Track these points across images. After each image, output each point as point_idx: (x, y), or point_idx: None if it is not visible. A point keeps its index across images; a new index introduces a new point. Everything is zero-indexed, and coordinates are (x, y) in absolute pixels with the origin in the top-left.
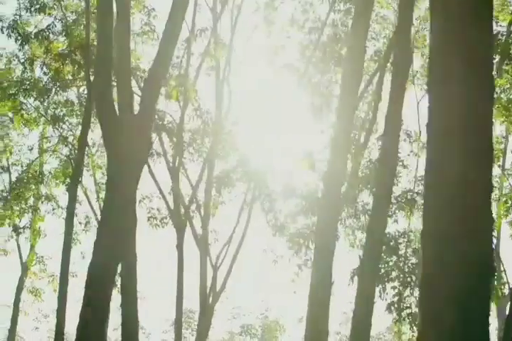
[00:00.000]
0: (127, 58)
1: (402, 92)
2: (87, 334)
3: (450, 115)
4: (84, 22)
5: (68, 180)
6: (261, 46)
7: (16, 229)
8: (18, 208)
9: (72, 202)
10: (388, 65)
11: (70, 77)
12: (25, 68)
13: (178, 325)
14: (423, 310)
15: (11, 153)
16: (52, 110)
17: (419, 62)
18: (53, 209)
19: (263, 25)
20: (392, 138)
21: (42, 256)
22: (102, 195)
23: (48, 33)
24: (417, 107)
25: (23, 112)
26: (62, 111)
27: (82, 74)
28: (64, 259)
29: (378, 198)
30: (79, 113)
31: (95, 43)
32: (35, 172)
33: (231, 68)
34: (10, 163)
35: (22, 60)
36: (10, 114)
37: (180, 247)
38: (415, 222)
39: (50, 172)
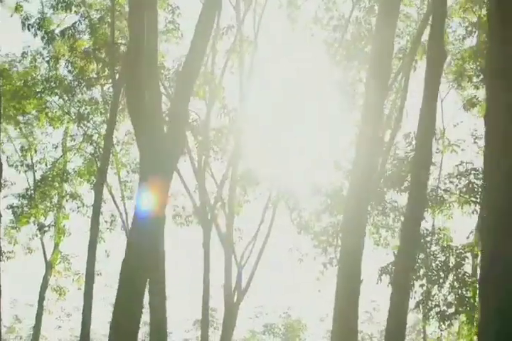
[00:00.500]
0: (155, 56)
1: (437, 89)
2: (119, 334)
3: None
4: (109, 20)
5: (93, 178)
6: (284, 44)
7: (41, 228)
8: (42, 206)
9: (98, 200)
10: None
11: (95, 75)
12: (52, 66)
13: (204, 324)
14: (483, 307)
15: (35, 151)
16: (77, 108)
17: None
18: (78, 208)
19: (286, 23)
20: (426, 136)
21: (68, 255)
22: (128, 193)
23: (73, 31)
24: (440, 105)
25: (48, 110)
26: (86, 109)
27: (107, 72)
28: (90, 258)
29: (414, 197)
30: (103, 111)
31: (120, 41)
32: (60, 170)
33: (255, 66)
34: (34, 161)
35: (47, 58)
36: (34, 112)
37: (206, 246)
38: (442, 220)
39: (74, 171)
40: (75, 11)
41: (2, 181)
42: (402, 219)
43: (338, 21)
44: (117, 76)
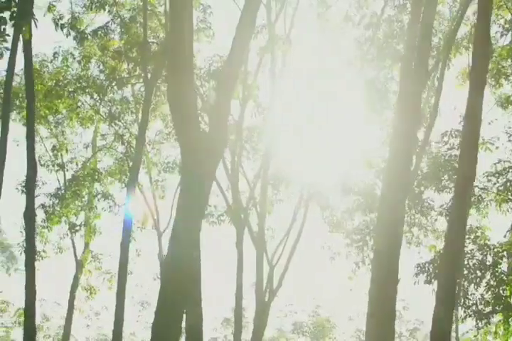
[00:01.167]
0: (191, 56)
1: (483, 85)
2: (163, 333)
3: None
4: (141, 19)
5: (124, 177)
6: (315, 43)
7: (73, 227)
8: (74, 206)
9: (130, 200)
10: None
11: (126, 75)
12: (84, 66)
13: (237, 323)
14: None
15: (66, 151)
16: (108, 108)
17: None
18: (110, 207)
19: (317, 22)
20: (472, 135)
21: (101, 254)
22: (160, 192)
23: (106, 31)
24: None
25: (79, 110)
26: (117, 108)
27: (138, 71)
28: (122, 257)
29: (459, 196)
30: (134, 110)
31: (151, 40)
32: (91, 170)
33: (287, 65)
34: (65, 160)
35: (78, 58)
36: (64, 112)
37: (239, 245)
38: (478, 218)
39: (105, 170)
40: (109, 11)
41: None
42: (439, 218)
43: (370, 19)
44: (149, 75)
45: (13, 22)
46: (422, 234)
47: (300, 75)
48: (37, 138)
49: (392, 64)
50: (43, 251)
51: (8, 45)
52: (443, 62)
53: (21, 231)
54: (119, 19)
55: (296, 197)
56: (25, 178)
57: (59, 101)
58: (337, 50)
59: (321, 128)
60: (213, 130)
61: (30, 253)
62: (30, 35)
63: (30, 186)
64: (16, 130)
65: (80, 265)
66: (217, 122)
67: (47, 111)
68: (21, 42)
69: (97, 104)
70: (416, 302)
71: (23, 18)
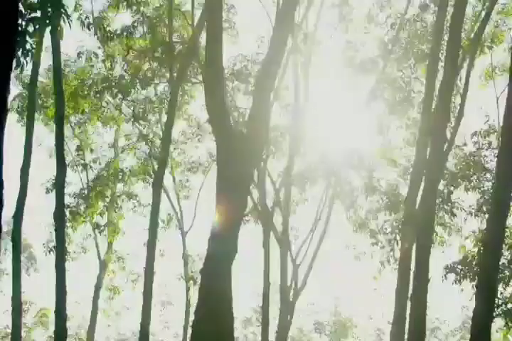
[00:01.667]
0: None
1: None
2: (202, 332)
3: None
4: (166, 19)
5: (148, 177)
6: (339, 42)
7: (98, 227)
8: (98, 206)
9: (156, 200)
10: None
11: (150, 75)
12: (110, 65)
13: (264, 323)
14: None
15: (91, 151)
16: (132, 108)
17: (499, 57)
18: (134, 207)
19: (341, 21)
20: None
21: (128, 254)
22: (185, 192)
23: (132, 30)
24: (496, 102)
25: (103, 110)
26: (141, 108)
27: (162, 71)
28: (149, 257)
29: (498, 195)
30: (157, 110)
31: (176, 40)
32: (115, 169)
33: (312, 64)
34: (88, 160)
35: (102, 58)
36: (86, 112)
37: (266, 245)
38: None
39: (129, 170)
40: (136, 10)
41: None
42: (469, 218)
43: (392, 19)
44: (175, 75)
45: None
46: (445, 234)
47: (324, 75)
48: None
49: (417, 63)
50: (68, 251)
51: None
52: (470, 61)
53: (51, 232)
54: (144, 18)
55: (320, 196)
56: (50, 178)
57: (84, 101)
58: (360, 49)
59: (345, 127)
60: (252, 131)
61: (61, 254)
62: (62, 36)
63: (59, 185)
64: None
65: (103, 265)
66: (255, 123)
67: (70, 111)
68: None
69: (121, 103)
70: (436, 301)
71: (56, 17)
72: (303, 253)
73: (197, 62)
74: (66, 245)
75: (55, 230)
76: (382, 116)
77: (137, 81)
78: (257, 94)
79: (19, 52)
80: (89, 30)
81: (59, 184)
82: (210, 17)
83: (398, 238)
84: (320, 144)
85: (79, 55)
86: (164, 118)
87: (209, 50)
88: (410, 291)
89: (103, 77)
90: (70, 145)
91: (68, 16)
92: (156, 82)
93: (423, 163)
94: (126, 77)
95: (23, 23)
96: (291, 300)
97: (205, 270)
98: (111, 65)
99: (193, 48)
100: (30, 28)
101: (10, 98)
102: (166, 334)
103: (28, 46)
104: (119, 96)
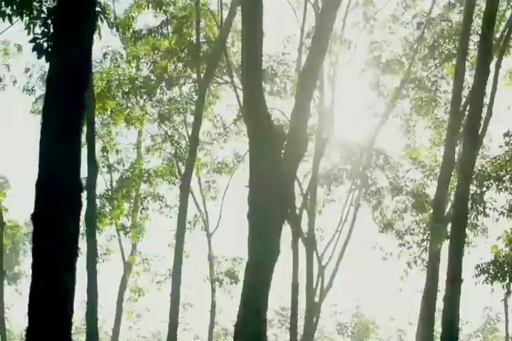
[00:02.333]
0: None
1: None
2: (246, 333)
3: None
4: (192, 20)
5: (173, 178)
6: (363, 42)
7: (123, 228)
8: (123, 207)
9: (183, 201)
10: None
11: (175, 75)
12: (135, 66)
13: (292, 325)
14: None
15: (116, 152)
16: (157, 108)
17: None
18: (160, 208)
19: (365, 21)
20: None
21: (155, 255)
22: (212, 193)
23: (161, 31)
24: None
25: (128, 111)
26: (167, 109)
27: (188, 72)
28: (177, 259)
29: None
30: (182, 111)
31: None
32: (140, 170)
33: (338, 64)
34: (112, 161)
35: (128, 58)
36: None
37: (295, 246)
38: None
39: (154, 171)
40: (163, 10)
41: (85, 182)
42: (501, 218)
43: (418, 19)
44: (202, 76)
45: None
46: (471, 234)
47: (352, 74)
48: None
49: (443, 63)
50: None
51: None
52: (498, 60)
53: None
54: (169, 19)
55: (346, 197)
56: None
57: (110, 102)
58: (386, 49)
59: (371, 127)
60: (294, 132)
61: (93, 256)
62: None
63: (91, 187)
64: None
65: (128, 267)
66: (297, 124)
67: (96, 112)
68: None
69: (146, 104)
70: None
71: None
72: (328, 254)
73: (223, 63)
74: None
75: (87, 232)
76: (408, 115)
77: (163, 81)
78: (300, 95)
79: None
80: (117, 30)
81: (91, 186)
82: (250, 18)
83: (427, 238)
84: (346, 144)
85: (104, 55)
86: (189, 118)
87: (248, 51)
88: (438, 292)
89: (129, 77)
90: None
91: (106, 15)
92: (181, 82)
93: (452, 163)
94: (152, 78)
95: None
96: (316, 301)
97: (249, 270)
98: (137, 66)
99: (221, 48)
100: None
101: (32, 99)
102: (187, 337)
103: None
104: (145, 96)
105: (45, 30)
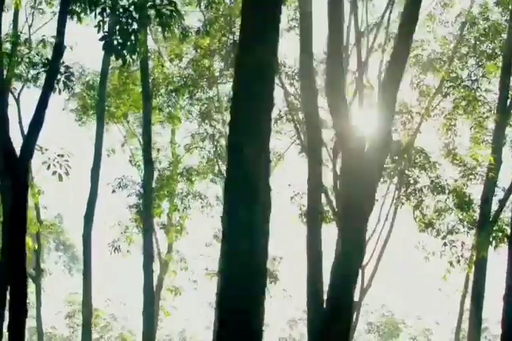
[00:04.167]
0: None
1: None
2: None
3: None
4: (238, 18)
5: (213, 176)
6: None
7: (164, 227)
8: (164, 206)
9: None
10: None
11: (216, 74)
12: (177, 64)
13: None
14: None
15: (158, 151)
16: (198, 106)
17: None
18: (202, 207)
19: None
20: None
21: (201, 254)
22: None
23: (207, 29)
24: None
25: (169, 109)
26: (207, 108)
27: (230, 70)
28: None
29: None
30: (222, 109)
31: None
32: (182, 169)
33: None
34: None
35: (171, 57)
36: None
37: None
38: None
39: (195, 170)
40: (216, 8)
41: (125, 180)
42: None
43: (458, 17)
44: None
45: None
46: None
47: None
48: (119, 137)
49: (485, 61)
50: (127, 251)
51: None
52: None
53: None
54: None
55: (386, 196)
56: (115, 177)
57: (154, 100)
58: (426, 48)
59: (411, 126)
60: (377, 143)
61: (149, 256)
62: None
63: (148, 186)
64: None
65: (164, 265)
66: (381, 132)
67: (136, 110)
68: None
69: (186, 102)
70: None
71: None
72: (369, 254)
73: None
74: (128, 244)
75: (144, 230)
76: (449, 114)
77: (204, 80)
78: (384, 97)
79: (124, 50)
80: (169, 28)
81: (147, 185)
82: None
83: (475, 238)
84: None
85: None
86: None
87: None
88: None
89: (170, 76)
90: (132, 143)
91: (179, 13)
92: (223, 81)
93: (499, 163)
94: (193, 76)
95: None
96: (357, 300)
97: (337, 270)
98: (178, 64)
99: None
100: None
101: (66, 96)
102: (208, 335)
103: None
104: (186, 95)
105: (118, 27)
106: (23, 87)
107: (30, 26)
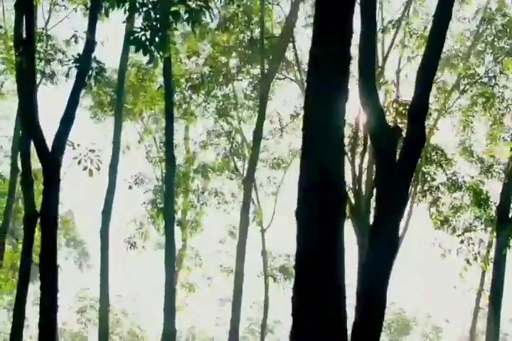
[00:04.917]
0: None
1: None
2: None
3: None
4: (258, 15)
5: (230, 173)
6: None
7: (180, 223)
8: (181, 202)
9: (247, 197)
10: None
11: (233, 71)
12: (194, 61)
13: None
14: None
15: (175, 147)
16: (215, 103)
17: None
18: (219, 204)
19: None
20: None
21: (222, 251)
22: (266, 189)
23: (230, 25)
24: None
25: (185, 106)
26: (224, 105)
27: (247, 67)
28: (239, 255)
29: None
30: (238, 106)
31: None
32: (198, 165)
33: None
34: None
35: (188, 53)
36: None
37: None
38: None
39: (211, 166)
40: (238, 5)
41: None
42: None
43: (475, 14)
44: (266, 71)
45: None
46: None
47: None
48: (133, 134)
49: (503, 58)
50: (143, 247)
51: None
52: None
53: (136, 229)
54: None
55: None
56: (133, 174)
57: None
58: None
59: (428, 123)
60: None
61: (171, 252)
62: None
63: (169, 183)
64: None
65: (178, 262)
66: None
67: (152, 107)
68: None
69: (203, 99)
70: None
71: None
72: None
73: (282, 58)
74: (143, 241)
75: (166, 227)
76: (465, 111)
77: (221, 77)
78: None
79: (152, 46)
80: (188, 24)
81: (169, 182)
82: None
83: (492, 235)
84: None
85: None
86: (245, 114)
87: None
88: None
89: (188, 73)
90: (148, 140)
91: (209, 8)
92: (239, 78)
93: None
94: (210, 73)
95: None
96: None
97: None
98: (195, 60)
99: (284, 44)
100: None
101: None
102: (219, 331)
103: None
104: (203, 92)
105: (147, 23)
106: (39, 83)
107: (46, 23)
